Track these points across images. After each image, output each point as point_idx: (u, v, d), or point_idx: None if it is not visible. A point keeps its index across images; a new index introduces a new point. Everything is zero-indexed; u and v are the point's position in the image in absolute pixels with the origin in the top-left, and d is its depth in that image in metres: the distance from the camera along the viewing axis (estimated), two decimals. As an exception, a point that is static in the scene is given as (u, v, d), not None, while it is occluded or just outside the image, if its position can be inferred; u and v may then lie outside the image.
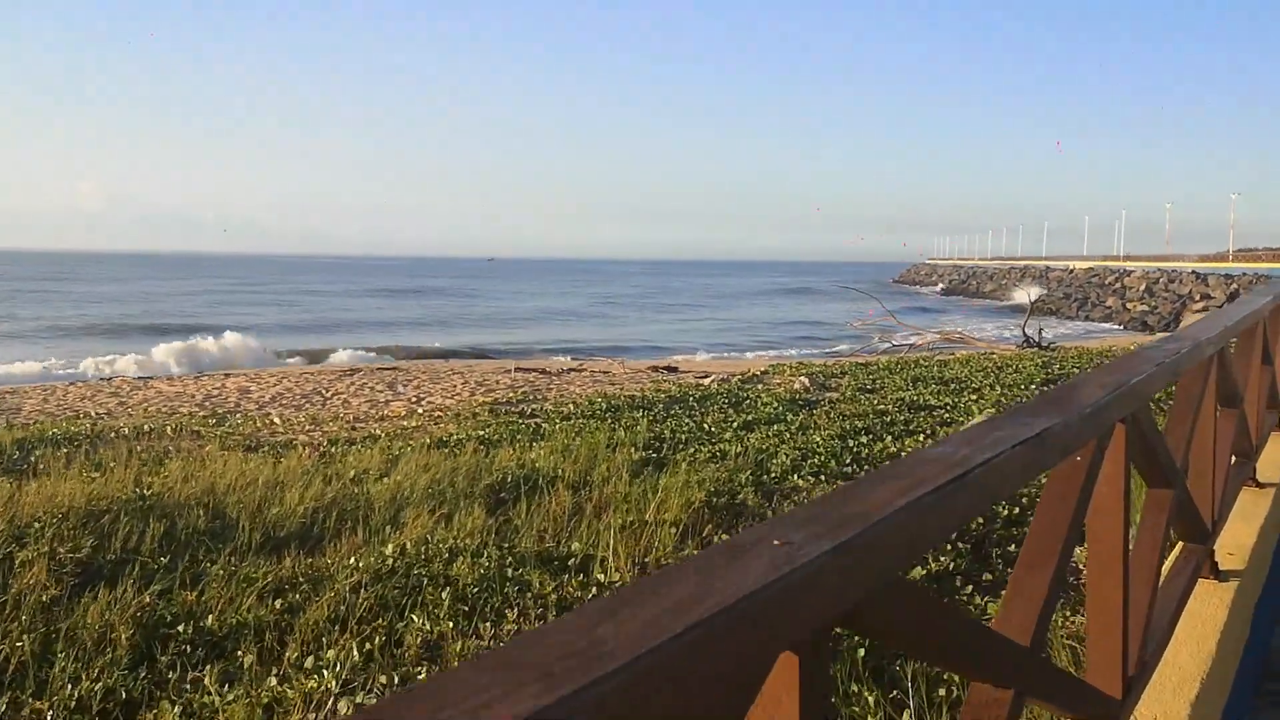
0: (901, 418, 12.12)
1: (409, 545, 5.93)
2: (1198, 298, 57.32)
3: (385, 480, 7.72)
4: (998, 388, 14.82)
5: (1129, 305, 60.64)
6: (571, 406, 14.41)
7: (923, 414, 12.52)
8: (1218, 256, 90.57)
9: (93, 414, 14.25)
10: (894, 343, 31.85)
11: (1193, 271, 68.82)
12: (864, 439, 10.75)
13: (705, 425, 12.04)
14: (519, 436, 11.22)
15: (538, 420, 13.14)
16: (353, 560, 5.67)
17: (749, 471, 8.70)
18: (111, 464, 8.80)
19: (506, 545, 6.14)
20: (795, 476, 8.51)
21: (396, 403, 15.87)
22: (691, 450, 10.11)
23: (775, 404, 13.91)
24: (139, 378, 21.62)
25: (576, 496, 7.54)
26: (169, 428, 12.23)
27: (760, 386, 17.28)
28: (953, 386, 15.40)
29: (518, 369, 22.69)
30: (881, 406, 13.12)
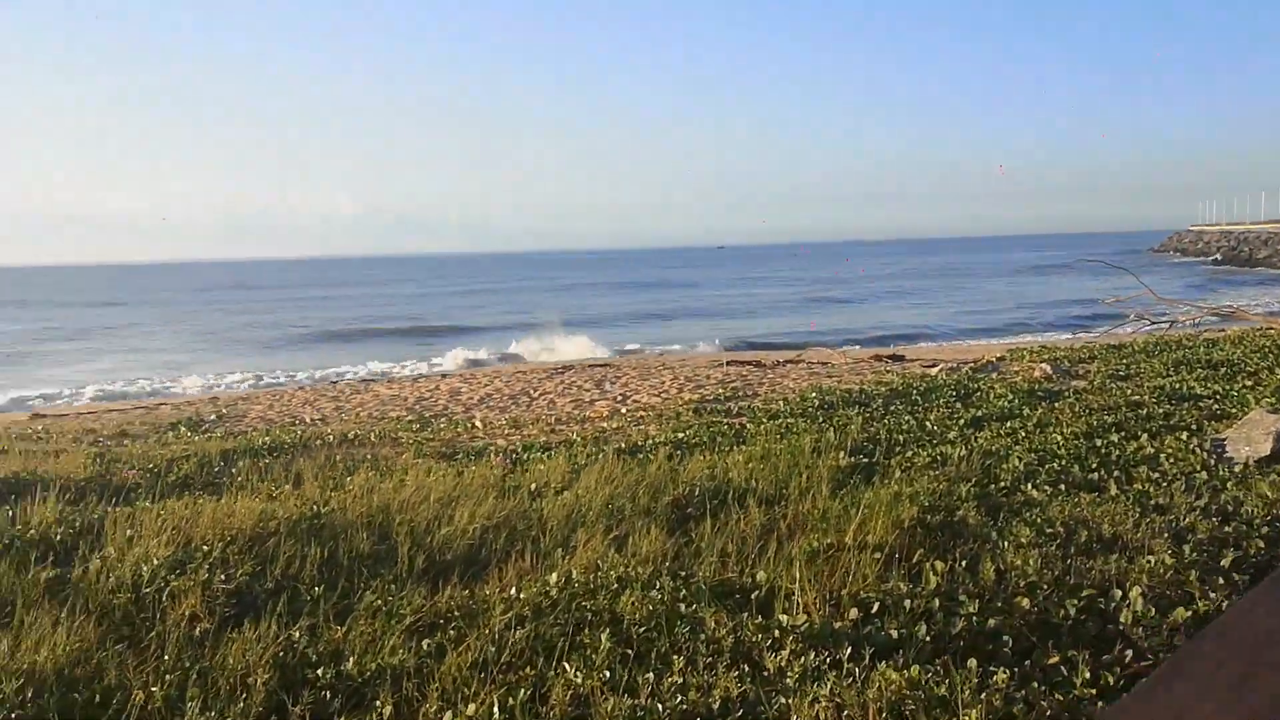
0: (1160, 410, 10.70)
1: (575, 574, 5.45)
2: None
3: (564, 495, 7.31)
4: (1278, 371, 12.97)
5: None
6: (781, 404, 13.70)
7: (1186, 405, 11.02)
8: None
9: (308, 420, 14.74)
10: (1152, 321, 29.11)
11: None
12: (1114, 437, 9.49)
13: (927, 423, 11.05)
14: (719, 440, 10.64)
15: (743, 420, 12.52)
16: (513, 591, 5.25)
17: (973, 481, 7.76)
18: (305, 477, 8.86)
19: (683, 574, 5.56)
20: (1029, 486, 7.49)
21: (601, 402, 15.64)
22: (909, 454, 9.21)
23: (1010, 396, 12.68)
24: (362, 380, 22.49)
25: (770, 513, 6.87)
26: (373, 434, 12.40)
27: (994, 376, 15.97)
28: (1223, 371, 13.62)
29: (730, 362, 22.12)
30: (1136, 396, 11.68)
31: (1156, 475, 7.74)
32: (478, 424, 13.41)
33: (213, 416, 15.32)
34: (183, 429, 13.54)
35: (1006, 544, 5.97)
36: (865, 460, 8.94)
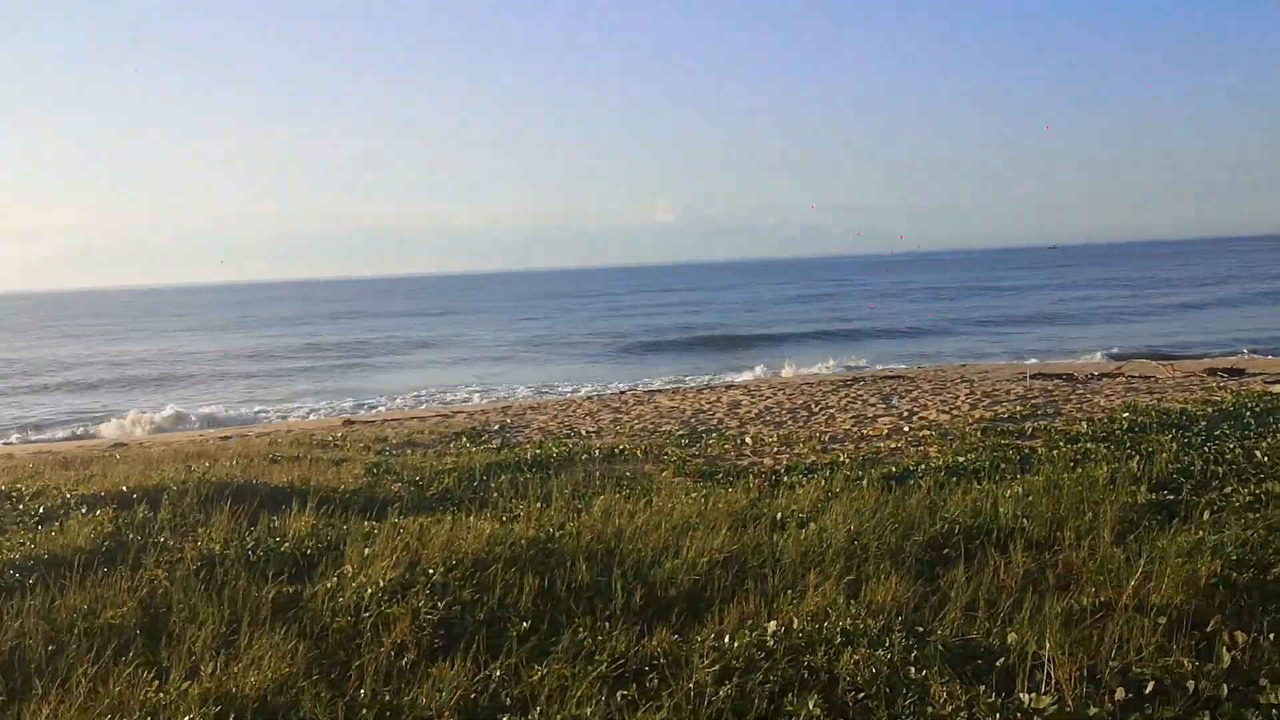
0: None
1: (796, 623, 4.99)
2: None
3: (808, 527, 6.82)
4: None
5: None
6: (1084, 425, 12.43)
7: None
8: None
9: (583, 432, 15.00)
10: None
11: None
12: None
13: (1256, 452, 9.60)
14: (1002, 466, 9.72)
15: (1036, 443, 11.44)
16: (726, 640, 4.88)
17: (1301, 528, 6.55)
18: (557, 495, 8.89)
19: (920, 630, 4.96)
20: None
21: (885, 419, 14.88)
22: (1226, 490, 7.99)
23: (1371, 421, 10.85)
24: (647, 391, 22.81)
25: (1039, 559, 6.08)
26: (640, 449, 12.38)
27: (1354, 395, 13.78)
28: None
29: (1036, 375, 20.55)
30: None
31: None
32: (748, 440, 13.10)
33: (496, 426, 15.94)
34: (464, 440, 14.14)
35: (1334, 616, 4.93)
36: (1170, 497, 7.83)
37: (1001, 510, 7.12)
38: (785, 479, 9.78)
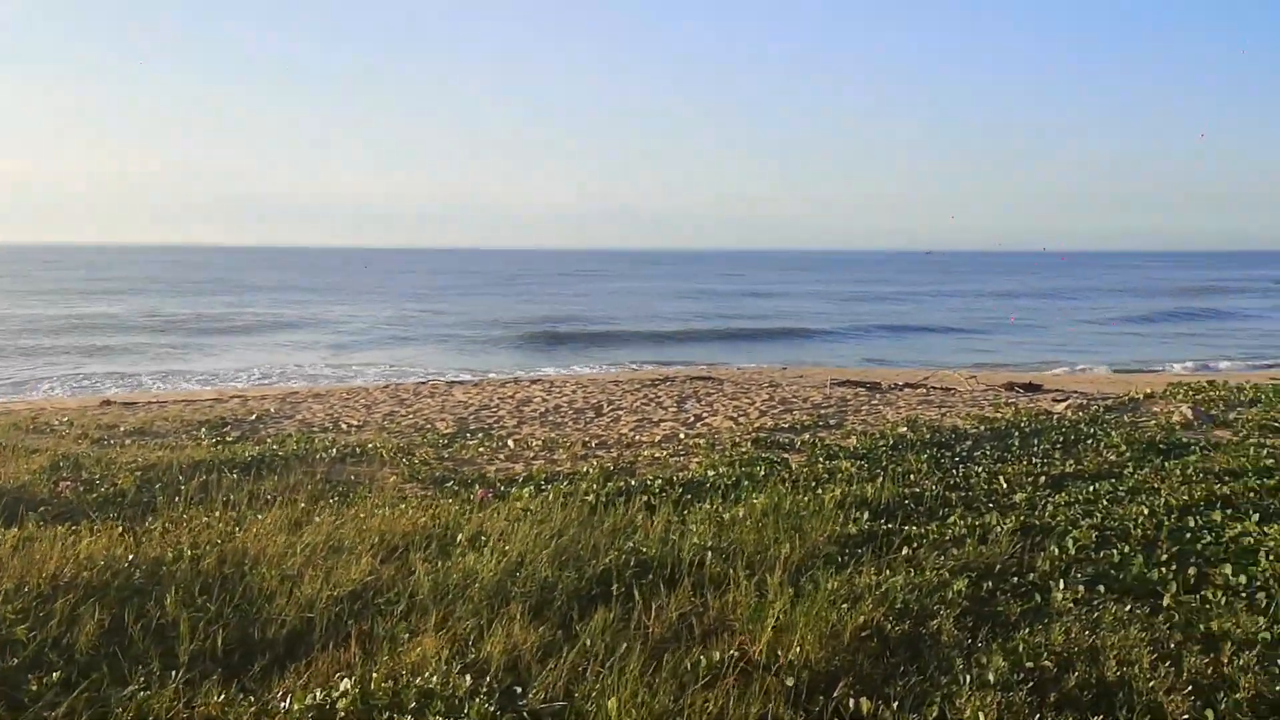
0: (1295, 482, 8.81)
1: (375, 681, 4.38)
2: None
3: (467, 558, 6.21)
4: None
5: None
6: (855, 440, 12.23)
7: (1334, 477, 9.07)
8: None
9: (344, 426, 14.15)
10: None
11: None
12: (1216, 515, 7.77)
13: (1001, 477, 9.47)
14: (745, 483, 9.35)
15: (801, 456, 11.18)
16: (286, 702, 4.23)
17: (991, 571, 6.28)
18: (239, 504, 8.11)
19: (519, 691, 4.40)
20: (1059, 585, 5.98)
21: (669, 423, 14.47)
22: (949, 520, 7.74)
23: (1123, 447, 10.90)
24: (449, 382, 21.99)
25: (701, 601, 5.61)
26: (388, 449, 11.64)
27: (1126, 417, 14.00)
28: None
29: (842, 382, 20.55)
30: (1271, 460, 9.74)
31: (1239, 581, 6.10)
32: (510, 443, 12.48)
33: (254, 416, 14.90)
34: (202, 430, 13.09)
35: (969, 679, 4.58)
36: (887, 526, 7.53)
37: (691, 540, 6.66)
38: (513, 490, 9.20)
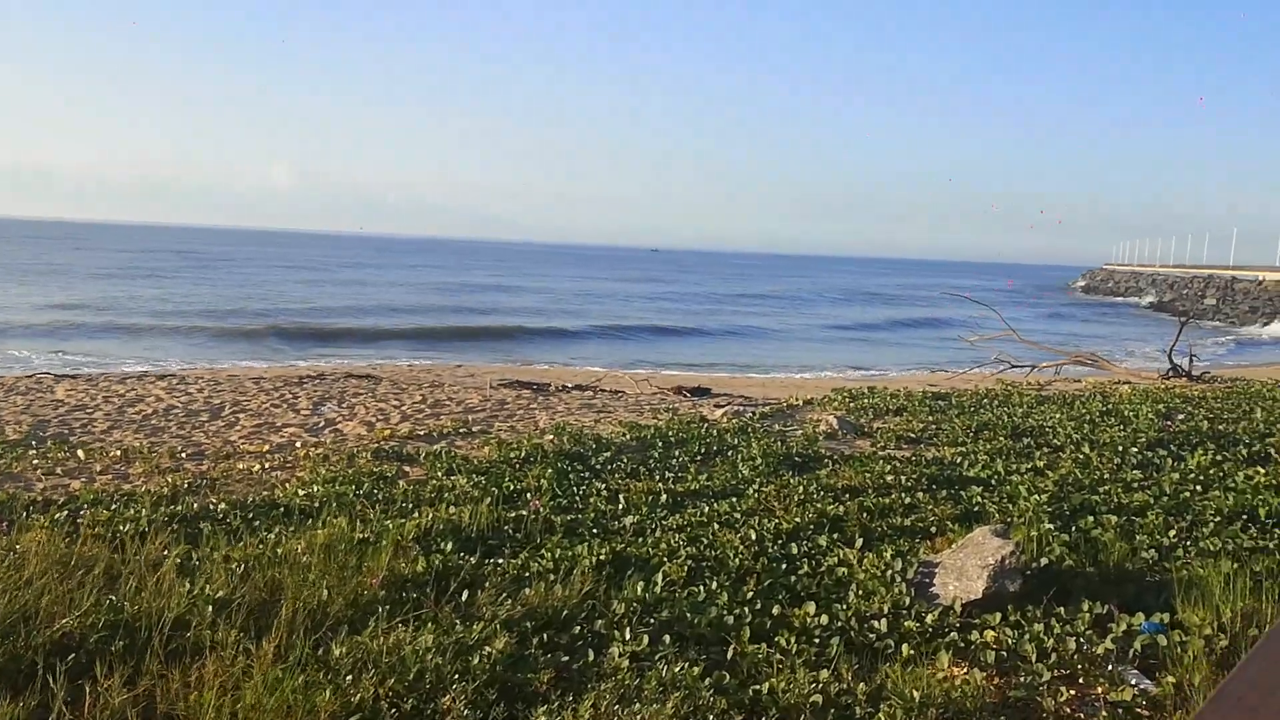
0: (905, 500, 8.74)
1: None
2: None
3: None
4: (1085, 448, 11.18)
5: (1323, 322, 54.91)
6: (489, 450, 11.43)
7: (944, 492, 9.10)
8: None
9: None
10: (1011, 363, 27.68)
11: (1404, 285, 62.44)
12: (822, 540, 7.46)
13: (623, 496, 8.91)
14: (335, 505, 8.30)
15: (420, 470, 10.25)
16: None
17: (532, 626, 5.54)
18: None
19: None
20: (627, 635, 5.33)
21: (290, 429, 13.16)
22: (543, 551, 7.02)
23: (759, 460, 10.63)
24: (60, 376, 19.51)
25: (170, 680, 4.54)
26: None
27: (777, 426, 13.98)
28: (1024, 443, 11.81)
29: (511, 382, 19.83)
30: (892, 475, 9.71)
31: (818, 623, 5.68)
32: (81, 454, 10.81)
33: None
34: None
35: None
36: (467, 561, 6.71)
37: (202, 587, 5.55)
38: (38, 518, 7.72)
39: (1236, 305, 77.32)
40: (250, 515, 8.03)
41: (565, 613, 5.70)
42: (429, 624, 5.33)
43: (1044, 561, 6.62)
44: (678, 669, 4.80)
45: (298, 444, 12.02)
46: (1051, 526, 7.57)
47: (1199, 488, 8.97)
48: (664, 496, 8.95)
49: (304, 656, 4.78)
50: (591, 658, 5.07)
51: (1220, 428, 12.54)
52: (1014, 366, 26.86)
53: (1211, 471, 9.67)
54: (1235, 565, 6.31)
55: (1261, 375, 25.27)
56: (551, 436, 12.49)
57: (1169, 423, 13.04)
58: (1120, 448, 11.10)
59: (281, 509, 8.25)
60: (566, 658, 5.08)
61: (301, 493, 8.91)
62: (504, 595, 5.91)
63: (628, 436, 12.53)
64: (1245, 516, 7.88)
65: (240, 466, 10.42)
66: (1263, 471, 9.52)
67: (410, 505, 8.47)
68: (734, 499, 8.91)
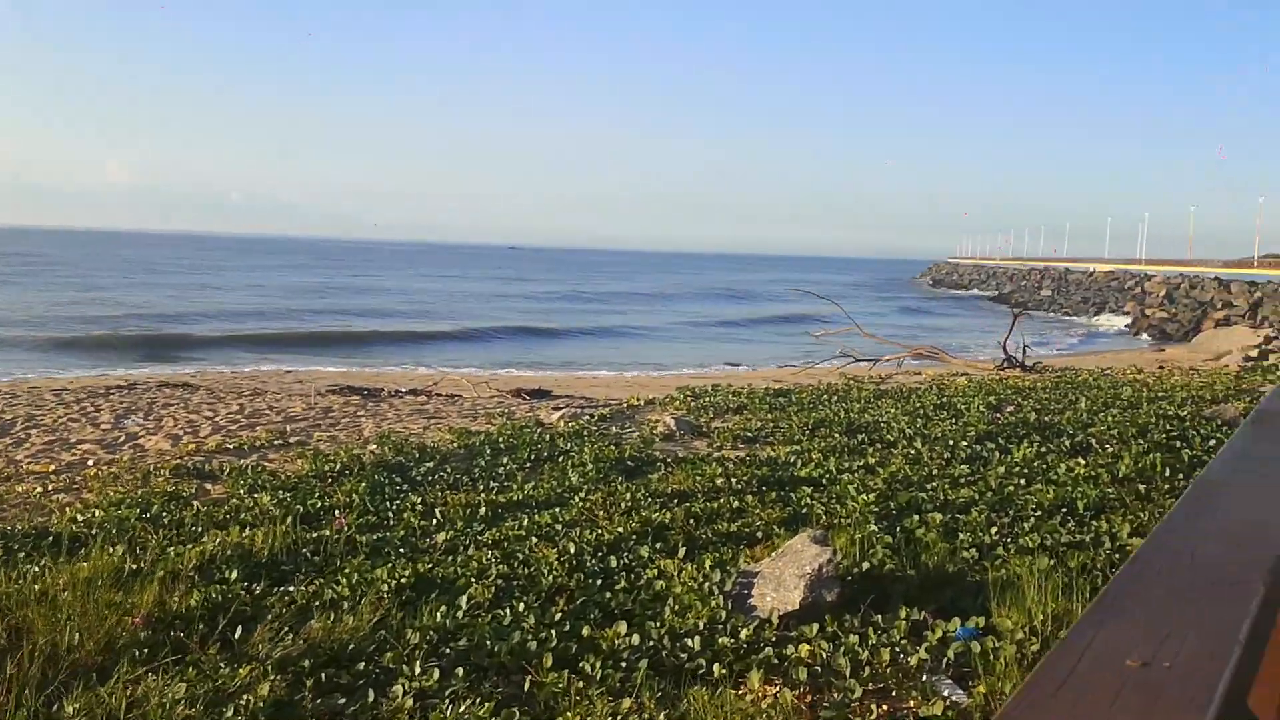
0: (734, 504, 8.52)
1: None
2: (1219, 305, 55.01)
3: None
4: (918, 443, 11.21)
5: (1148, 311, 57.99)
6: (303, 464, 10.78)
7: (774, 494, 8.92)
8: (1242, 263, 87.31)
9: None
10: (855, 358, 28.09)
11: (1215, 278, 66.45)
12: (644, 551, 7.15)
13: (439, 510, 8.45)
14: (113, 533, 7.59)
15: (221, 488, 9.56)
16: None
17: (312, 664, 5.05)
18: None
19: None
20: (416, 670, 4.89)
21: (86, 445, 12.21)
22: (340, 577, 6.51)
23: (589, 465, 10.28)
24: None
25: None
26: None
27: (614, 428, 13.67)
28: (858, 439, 11.78)
29: (341, 388, 19.02)
30: (723, 477, 9.50)
31: (627, 644, 5.34)
32: None
33: None
34: None
35: None
36: (251, 590, 6.16)
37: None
38: None
39: (1070, 296, 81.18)
40: (16, 546, 7.27)
41: (352, 646, 5.23)
42: (190, 669, 4.79)
43: (865, 566, 6.45)
44: (463, 707, 4.39)
45: (90, 461, 11.13)
46: (877, 528, 7.43)
47: (1023, 481, 9.00)
48: (483, 509, 8.51)
49: (34, 714, 4.22)
50: (371, 698, 4.62)
51: (1046, 419, 12.78)
52: (858, 361, 27.19)
53: (1035, 464, 9.76)
54: (1052, 562, 6.26)
55: (1090, 364, 26.29)
56: (374, 446, 11.90)
57: (999, 414, 13.27)
58: (951, 442, 11.16)
59: (51, 538, 7.50)
60: (344, 699, 4.63)
61: (80, 518, 8.15)
62: (285, 629, 5.41)
63: (455, 444, 12.03)
64: (1065, 510, 7.90)
65: (20, 489, 9.54)
66: (1083, 463, 9.66)
67: (200, 529, 7.82)
68: (558, 509, 8.54)
